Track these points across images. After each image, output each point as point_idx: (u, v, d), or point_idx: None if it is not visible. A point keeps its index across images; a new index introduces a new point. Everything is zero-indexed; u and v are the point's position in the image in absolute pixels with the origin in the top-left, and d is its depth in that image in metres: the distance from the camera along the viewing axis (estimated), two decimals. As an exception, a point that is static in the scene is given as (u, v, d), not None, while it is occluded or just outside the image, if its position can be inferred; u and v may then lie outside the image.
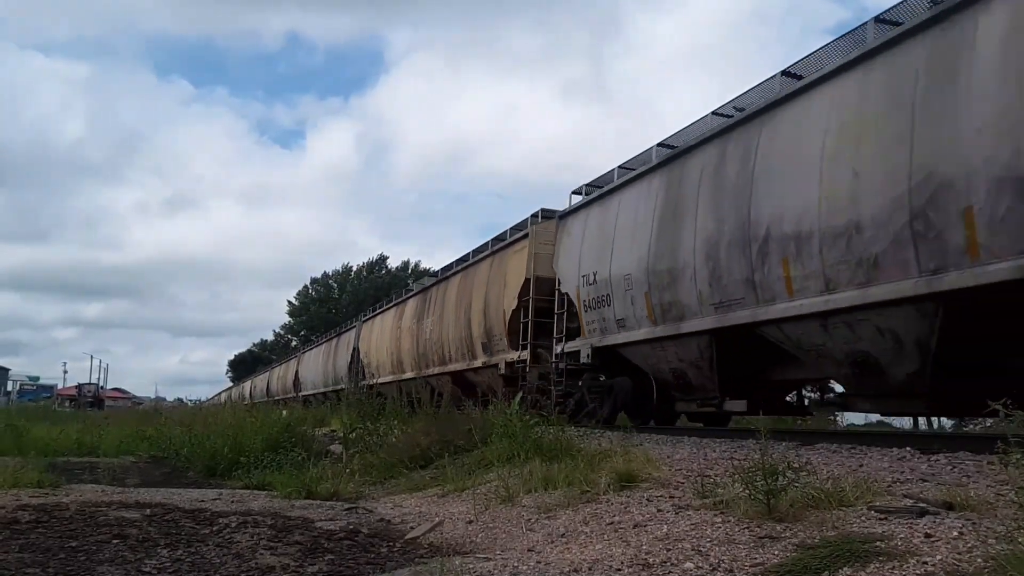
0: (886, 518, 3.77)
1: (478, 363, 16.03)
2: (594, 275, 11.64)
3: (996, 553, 3.01)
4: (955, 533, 3.42)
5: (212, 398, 67.25)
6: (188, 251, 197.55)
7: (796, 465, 4.40)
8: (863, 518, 3.84)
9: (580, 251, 12.24)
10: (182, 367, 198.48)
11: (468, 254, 18.62)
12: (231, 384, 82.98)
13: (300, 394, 37.43)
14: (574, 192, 13.24)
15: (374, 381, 22.56)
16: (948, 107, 6.34)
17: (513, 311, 14.37)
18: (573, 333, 12.43)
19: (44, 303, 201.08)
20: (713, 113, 10.01)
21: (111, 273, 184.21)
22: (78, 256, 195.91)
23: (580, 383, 12.28)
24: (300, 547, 4.80)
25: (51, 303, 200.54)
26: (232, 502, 6.69)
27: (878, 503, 4.02)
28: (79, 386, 69.40)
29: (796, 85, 8.26)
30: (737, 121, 9.06)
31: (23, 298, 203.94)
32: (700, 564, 3.63)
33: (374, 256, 76.91)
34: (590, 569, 3.83)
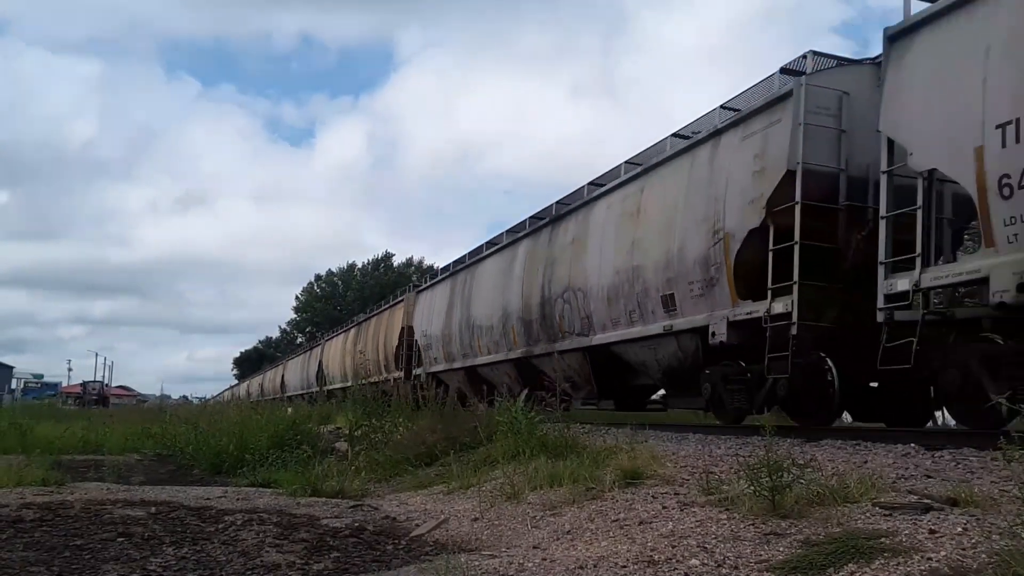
0: (891, 514, 3.77)
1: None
2: (424, 332, 21.07)
3: (1000, 549, 3.01)
4: (959, 529, 3.42)
5: (216, 395, 67.25)
6: (198, 248, 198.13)
7: (801, 462, 4.41)
8: (868, 514, 3.84)
9: (421, 315, 21.63)
10: (189, 364, 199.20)
11: (382, 302, 28.90)
12: (235, 381, 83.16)
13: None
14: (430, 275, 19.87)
15: (334, 386, 29.78)
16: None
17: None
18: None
19: (51, 301, 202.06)
20: (487, 243, 18.40)
21: (119, 271, 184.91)
22: (87, 254, 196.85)
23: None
24: (306, 545, 4.81)
25: (58, 301, 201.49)
26: (237, 500, 6.71)
27: (883, 499, 4.03)
28: (84, 384, 69.63)
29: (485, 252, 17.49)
30: (469, 263, 18.75)
31: (30, 296, 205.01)
32: (705, 561, 3.64)
33: (379, 253, 76.97)
34: (595, 566, 3.83)
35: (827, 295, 8.22)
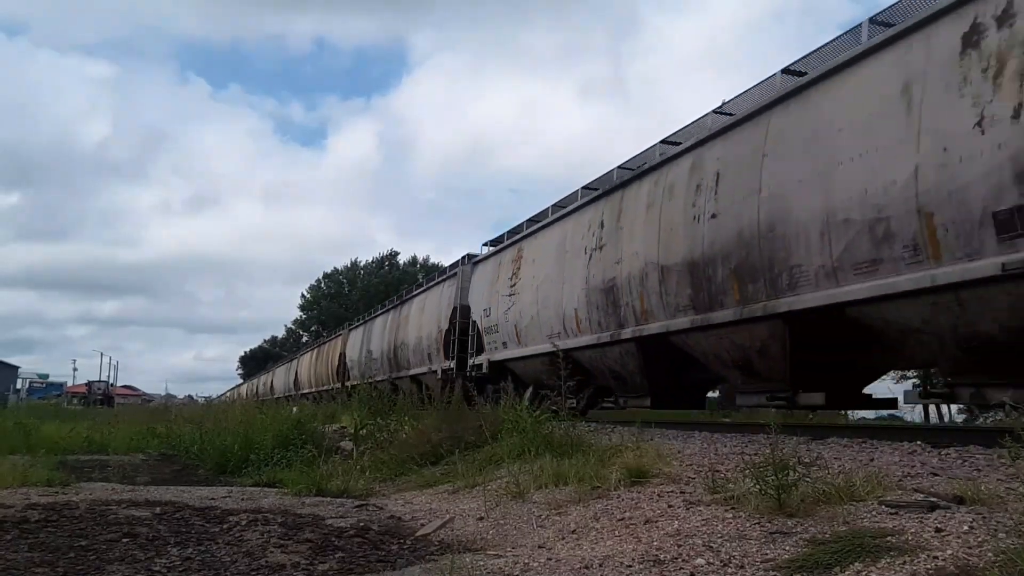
0: (897, 513, 3.76)
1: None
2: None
3: (1007, 547, 3.00)
4: (966, 527, 3.41)
5: (220, 395, 67.16)
6: (207, 248, 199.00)
7: (807, 460, 4.39)
8: (874, 513, 3.83)
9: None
10: (194, 364, 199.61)
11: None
12: (241, 381, 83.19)
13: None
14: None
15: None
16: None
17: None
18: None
19: (59, 301, 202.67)
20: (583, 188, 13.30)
21: (128, 271, 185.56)
22: (96, 254, 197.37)
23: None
24: (310, 545, 4.80)
25: (66, 301, 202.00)
26: (242, 500, 6.71)
27: (889, 497, 4.01)
28: (89, 383, 69.81)
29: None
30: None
31: (38, 296, 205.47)
32: (711, 560, 3.63)
33: (384, 251, 77.06)
34: (601, 565, 3.83)
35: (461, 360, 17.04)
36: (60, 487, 7.25)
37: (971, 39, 6.03)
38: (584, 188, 12.99)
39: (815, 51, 8.21)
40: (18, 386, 66.13)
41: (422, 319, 21.30)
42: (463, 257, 18.74)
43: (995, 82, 5.78)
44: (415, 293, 23.51)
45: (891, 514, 3.75)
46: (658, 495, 5.05)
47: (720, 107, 9.66)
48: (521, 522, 5.19)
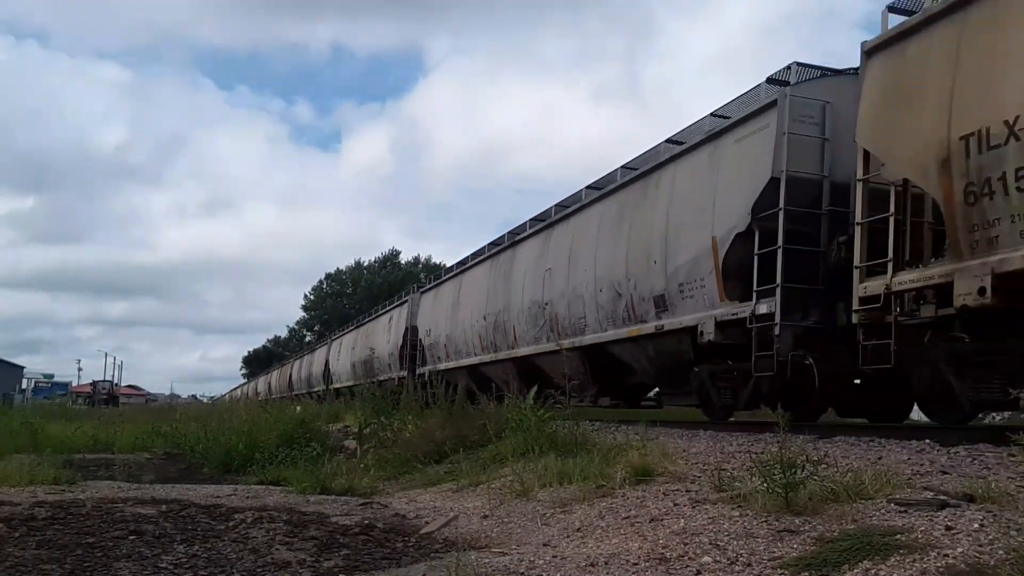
0: (906, 511, 3.74)
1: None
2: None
3: (1018, 545, 2.98)
4: (976, 525, 3.39)
5: (223, 394, 67.15)
6: (218, 251, 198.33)
7: (815, 458, 4.37)
8: (883, 511, 3.81)
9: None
10: (199, 364, 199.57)
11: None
12: (244, 380, 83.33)
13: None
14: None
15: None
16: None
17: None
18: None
19: (70, 303, 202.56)
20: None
21: (139, 273, 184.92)
22: (108, 257, 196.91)
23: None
24: (316, 542, 4.80)
25: (77, 303, 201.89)
26: (247, 498, 6.71)
27: (898, 496, 3.99)
28: (94, 383, 69.99)
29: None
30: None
31: (50, 298, 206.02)
32: (718, 558, 3.61)
33: (386, 251, 77.12)
34: (607, 563, 3.81)
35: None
36: (66, 485, 7.25)
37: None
38: (516, 227, 17.66)
39: (568, 197, 15.21)
40: (24, 386, 66.27)
41: (387, 336, 26.43)
42: (412, 286, 24.15)
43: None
44: (380, 313, 29.42)
45: (900, 512, 3.73)
46: (664, 493, 5.03)
47: (536, 216, 16.46)
48: (525, 520, 5.17)
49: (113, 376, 79.23)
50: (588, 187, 14.07)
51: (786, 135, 8.56)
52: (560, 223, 14.63)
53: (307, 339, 72.48)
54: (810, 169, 8.69)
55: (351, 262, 76.84)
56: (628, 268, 11.47)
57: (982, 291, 6.20)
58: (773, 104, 8.87)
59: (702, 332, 9.54)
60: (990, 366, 6.61)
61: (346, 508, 6.17)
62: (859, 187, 7.66)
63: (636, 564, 3.73)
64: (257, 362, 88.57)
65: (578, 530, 4.64)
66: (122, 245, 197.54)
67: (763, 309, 8.60)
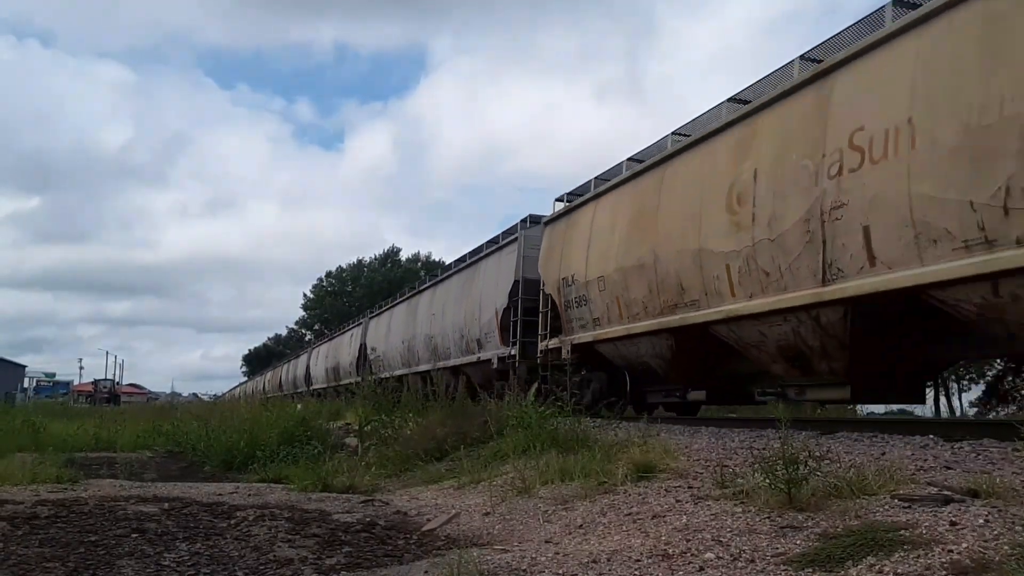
0: (910, 506, 3.73)
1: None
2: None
3: (1023, 540, 2.96)
4: (981, 521, 3.38)
5: (224, 393, 66.99)
6: (221, 250, 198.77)
7: (817, 454, 4.35)
8: (887, 507, 3.80)
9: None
10: (200, 362, 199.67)
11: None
12: (244, 379, 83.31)
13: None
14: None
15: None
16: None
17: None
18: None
19: (73, 302, 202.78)
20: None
21: (142, 272, 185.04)
22: (112, 256, 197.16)
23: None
24: (318, 540, 4.79)
25: (80, 302, 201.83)
26: (249, 495, 6.70)
27: (902, 491, 3.98)
28: (95, 382, 70.03)
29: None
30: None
31: (53, 297, 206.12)
32: (721, 554, 3.60)
33: (386, 248, 77.11)
34: (609, 560, 3.80)
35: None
36: (69, 484, 7.24)
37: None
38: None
39: (486, 243, 18.06)
40: (25, 385, 66.29)
41: (348, 349, 29.87)
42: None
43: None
44: (344, 330, 33.10)
45: (904, 508, 3.72)
46: (666, 490, 5.02)
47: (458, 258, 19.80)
48: (527, 517, 5.17)
49: (114, 375, 79.22)
50: (455, 261, 20.40)
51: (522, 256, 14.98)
52: (443, 282, 20.37)
53: (307, 337, 72.46)
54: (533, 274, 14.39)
55: (353, 260, 76.84)
56: (466, 320, 17.49)
57: (568, 351, 12.32)
58: (515, 239, 15.49)
59: (493, 361, 15.73)
60: (584, 386, 12.05)
61: (347, 506, 6.17)
62: (541, 295, 13.65)
63: (639, 561, 3.72)
64: (257, 360, 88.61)
65: (580, 527, 4.63)
66: (125, 244, 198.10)
67: (513, 351, 14.74)
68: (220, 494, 6.70)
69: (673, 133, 10.63)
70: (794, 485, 4.07)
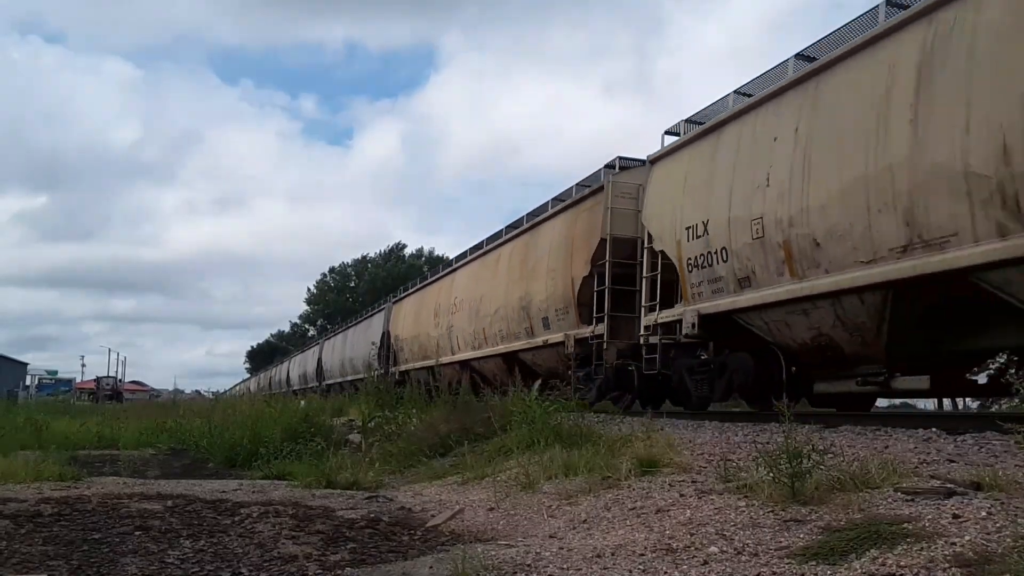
0: (913, 499, 3.73)
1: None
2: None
3: (1027, 533, 2.96)
4: (984, 513, 3.38)
5: (225, 390, 66.85)
6: (227, 246, 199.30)
7: (821, 448, 4.35)
8: (890, 500, 3.80)
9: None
10: (204, 359, 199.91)
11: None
12: (247, 375, 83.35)
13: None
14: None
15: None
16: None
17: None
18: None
19: (78, 300, 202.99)
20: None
21: (148, 269, 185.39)
22: (118, 254, 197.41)
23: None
24: (322, 536, 4.80)
25: (85, 300, 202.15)
26: (253, 492, 6.71)
27: (905, 484, 3.98)
28: (98, 379, 70.08)
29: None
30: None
31: (60, 295, 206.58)
32: (725, 548, 3.60)
33: (391, 244, 77.14)
34: (613, 554, 3.80)
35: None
36: (72, 481, 7.24)
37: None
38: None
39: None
40: (28, 382, 66.38)
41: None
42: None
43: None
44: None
45: (907, 501, 3.72)
46: (670, 484, 5.03)
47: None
48: (532, 512, 5.17)
49: (117, 372, 79.31)
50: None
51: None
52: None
53: (309, 333, 72.51)
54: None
55: (359, 256, 76.86)
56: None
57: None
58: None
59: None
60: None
61: (352, 502, 6.18)
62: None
63: (643, 555, 3.72)
64: (260, 356, 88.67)
65: (584, 522, 4.64)
66: (132, 242, 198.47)
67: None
68: (224, 491, 6.71)
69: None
70: (797, 479, 4.08)
